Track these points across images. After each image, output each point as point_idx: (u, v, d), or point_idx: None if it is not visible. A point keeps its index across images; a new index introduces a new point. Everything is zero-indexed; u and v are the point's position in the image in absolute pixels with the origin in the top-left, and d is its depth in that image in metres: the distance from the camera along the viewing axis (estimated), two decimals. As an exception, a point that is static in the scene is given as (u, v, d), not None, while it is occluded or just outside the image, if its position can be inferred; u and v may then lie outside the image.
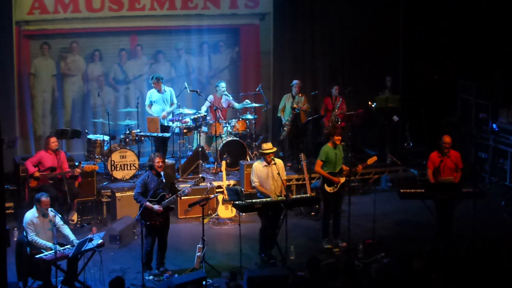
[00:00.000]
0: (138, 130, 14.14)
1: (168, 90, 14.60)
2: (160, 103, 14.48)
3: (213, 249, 11.77)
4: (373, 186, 13.06)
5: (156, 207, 10.59)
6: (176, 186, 11.60)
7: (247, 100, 14.96)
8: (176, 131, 14.36)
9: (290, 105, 14.85)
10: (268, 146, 11.32)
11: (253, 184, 11.32)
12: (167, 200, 10.67)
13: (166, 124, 14.41)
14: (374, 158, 11.90)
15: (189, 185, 11.00)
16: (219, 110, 14.59)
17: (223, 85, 14.91)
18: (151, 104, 14.54)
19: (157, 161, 10.69)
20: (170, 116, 14.47)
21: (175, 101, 14.60)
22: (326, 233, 11.92)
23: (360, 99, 15.90)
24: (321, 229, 12.02)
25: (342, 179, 11.67)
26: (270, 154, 11.20)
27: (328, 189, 11.68)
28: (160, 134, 14.06)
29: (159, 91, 14.42)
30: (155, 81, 14.39)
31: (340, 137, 11.64)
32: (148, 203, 10.53)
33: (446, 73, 16.31)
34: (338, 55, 16.67)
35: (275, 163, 11.21)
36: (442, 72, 16.36)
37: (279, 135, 15.49)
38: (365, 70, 16.48)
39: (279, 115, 15.38)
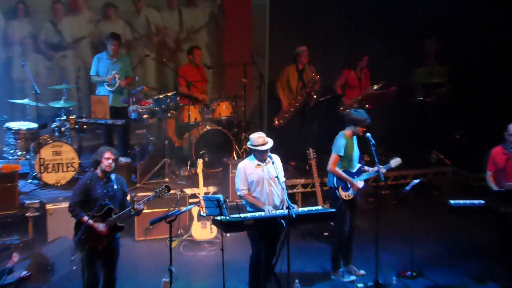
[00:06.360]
0: (79, 116, 14.06)
1: (124, 57, 14.56)
2: (109, 73, 14.37)
3: (186, 284, 11.73)
4: (410, 195, 12.99)
5: (100, 226, 10.36)
6: (132, 195, 11.45)
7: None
8: (132, 117, 14.24)
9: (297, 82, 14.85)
10: (260, 140, 11.02)
11: (239, 193, 11.16)
12: (115, 216, 10.44)
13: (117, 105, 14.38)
14: (398, 161, 11.92)
15: (145, 199, 10.76)
16: (195, 88, 14.50)
17: (199, 52, 15.12)
18: (97, 74, 14.50)
19: (107, 157, 10.45)
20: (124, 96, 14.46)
21: (131, 74, 14.52)
22: (337, 261, 11.97)
23: (391, 72, 15.85)
24: (331, 255, 12.05)
25: (361, 183, 11.69)
26: (266, 152, 11.01)
27: (343, 194, 11.66)
28: (110, 121, 13.97)
29: (112, 56, 14.30)
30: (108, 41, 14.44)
31: (365, 129, 11.63)
32: (88, 220, 10.25)
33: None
34: (361, 8, 16.55)
35: (272, 162, 11.00)
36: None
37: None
38: (398, 31, 16.38)
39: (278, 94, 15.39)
